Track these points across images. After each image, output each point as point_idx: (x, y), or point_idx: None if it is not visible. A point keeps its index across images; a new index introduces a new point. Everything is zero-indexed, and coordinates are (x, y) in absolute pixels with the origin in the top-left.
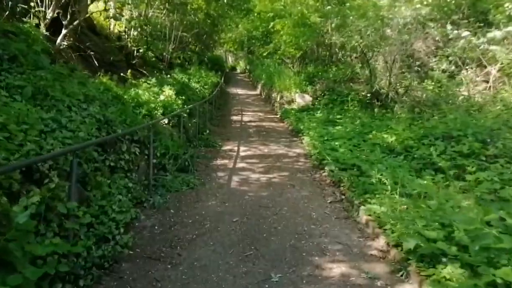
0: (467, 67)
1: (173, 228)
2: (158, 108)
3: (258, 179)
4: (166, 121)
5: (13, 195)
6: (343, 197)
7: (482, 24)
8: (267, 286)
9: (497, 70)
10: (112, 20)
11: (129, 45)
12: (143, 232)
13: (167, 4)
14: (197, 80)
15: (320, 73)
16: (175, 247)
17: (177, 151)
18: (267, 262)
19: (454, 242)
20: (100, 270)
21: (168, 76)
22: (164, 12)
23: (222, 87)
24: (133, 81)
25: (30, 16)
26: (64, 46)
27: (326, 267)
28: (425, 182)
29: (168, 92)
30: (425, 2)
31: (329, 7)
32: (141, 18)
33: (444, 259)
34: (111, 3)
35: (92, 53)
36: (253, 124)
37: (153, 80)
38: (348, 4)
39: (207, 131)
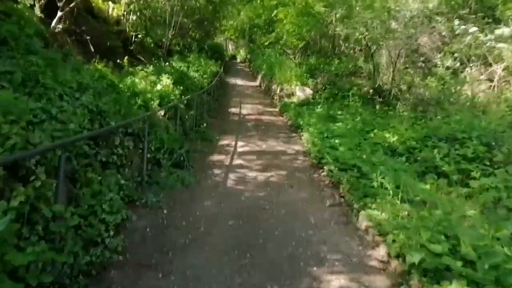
0: (471, 65)
1: (166, 231)
2: (155, 98)
3: (255, 178)
4: (162, 112)
5: None
6: (342, 200)
7: (490, 20)
8: None
9: (502, 69)
10: (110, 3)
11: (128, 30)
12: (134, 235)
13: None
14: (196, 68)
15: (322, 66)
16: (167, 253)
17: (173, 145)
18: (263, 273)
19: (459, 256)
20: (87, 278)
21: (167, 64)
22: None
23: (221, 76)
24: (130, 69)
25: None
26: (60, 29)
27: (324, 279)
28: (428, 187)
29: (166, 81)
30: None
31: None
32: (141, 1)
33: (448, 274)
34: None
35: (88, 37)
36: (251, 117)
37: (151, 68)
38: None
39: (205, 124)
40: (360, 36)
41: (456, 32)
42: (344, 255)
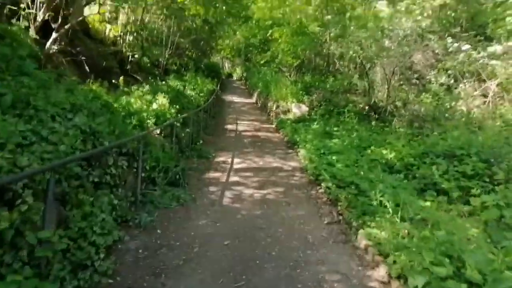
0: (465, 81)
1: (159, 251)
2: (150, 117)
3: (252, 195)
4: (158, 131)
5: None
6: (340, 217)
7: (482, 38)
8: None
9: (496, 85)
10: (107, 24)
11: (124, 50)
12: (125, 257)
13: (164, 9)
14: (192, 87)
15: (317, 83)
16: (159, 275)
17: (168, 164)
18: None
19: (463, 279)
20: None
21: (163, 82)
22: (161, 17)
23: (217, 94)
24: (126, 89)
25: (19, 18)
26: (55, 50)
27: None
28: (428, 204)
29: (162, 100)
30: (425, 14)
31: (328, 16)
32: (138, 22)
33: None
34: (107, 7)
35: (84, 58)
36: (248, 134)
37: (147, 87)
38: (348, 14)
39: (201, 141)
40: (354, 55)
41: (449, 50)
42: (343, 276)
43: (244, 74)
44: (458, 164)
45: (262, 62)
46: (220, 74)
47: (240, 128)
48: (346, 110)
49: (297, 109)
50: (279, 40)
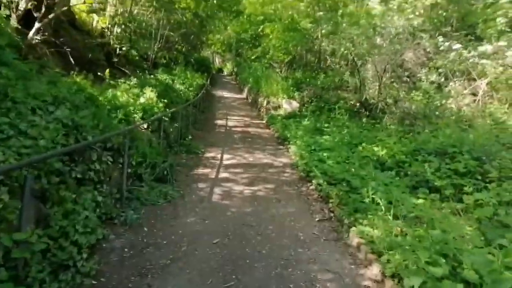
0: (455, 80)
1: (145, 250)
2: (137, 111)
3: (242, 192)
4: (145, 125)
5: None
6: (332, 215)
7: (472, 38)
8: None
9: (486, 84)
10: (95, 15)
11: (112, 42)
12: (110, 256)
13: (154, 1)
14: (182, 81)
15: (308, 80)
16: (145, 276)
17: (156, 159)
18: None
19: (460, 279)
20: None
21: (152, 76)
22: (150, 9)
23: (207, 89)
24: (112, 81)
25: (0, 7)
26: (37, 41)
27: None
28: (421, 201)
29: (149, 94)
30: (417, 13)
31: (320, 13)
32: (126, 14)
33: None
34: None
35: (69, 49)
36: (238, 129)
37: (134, 80)
38: (340, 11)
39: (190, 137)
40: (346, 52)
41: (441, 48)
42: (335, 275)
43: (235, 70)
44: (450, 162)
45: (253, 57)
46: (211, 69)
47: (230, 123)
48: (337, 106)
49: (287, 105)
50: (271, 36)
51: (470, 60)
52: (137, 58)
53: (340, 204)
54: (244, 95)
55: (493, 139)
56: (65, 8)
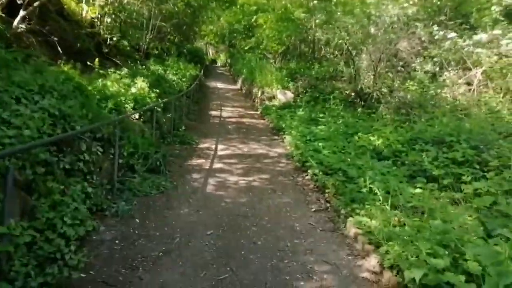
0: (450, 69)
1: (137, 242)
2: (129, 101)
3: (237, 183)
4: (137, 116)
5: None
6: (328, 205)
7: (467, 27)
8: None
9: (481, 73)
10: (84, 5)
11: (102, 32)
12: (100, 248)
13: None
14: (174, 72)
15: (302, 70)
16: (136, 268)
17: (148, 150)
18: None
19: (461, 270)
20: None
21: (143, 66)
22: None
23: (201, 80)
24: (102, 71)
25: None
26: (23, 29)
27: None
28: (419, 191)
29: (141, 84)
30: (411, 2)
31: (314, 2)
32: (116, 4)
33: None
34: None
35: (57, 39)
36: (232, 120)
37: (125, 70)
38: (334, 0)
39: (183, 127)
40: (340, 41)
41: (435, 38)
42: (333, 266)
43: (229, 60)
44: (448, 151)
45: (246, 48)
46: (204, 60)
47: (225, 114)
48: (332, 96)
49: (282, 96)
50: (264, 26)
51: (465, 49)
52: (128, 48)
53: (337, 194)
54: (238, 86)
55: (489, 128)
56: None
